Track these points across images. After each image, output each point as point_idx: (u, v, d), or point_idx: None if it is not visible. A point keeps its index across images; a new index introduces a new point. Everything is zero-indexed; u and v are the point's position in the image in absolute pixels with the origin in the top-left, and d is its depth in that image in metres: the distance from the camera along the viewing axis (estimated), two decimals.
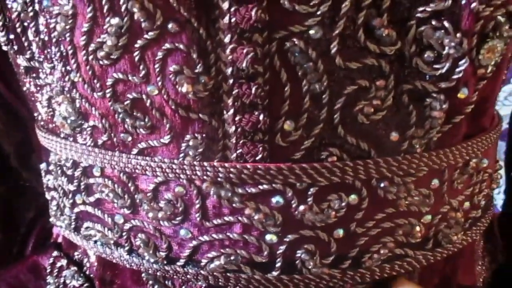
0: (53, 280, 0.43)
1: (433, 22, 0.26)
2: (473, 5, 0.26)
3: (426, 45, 0.27)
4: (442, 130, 0.30)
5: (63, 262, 0.42)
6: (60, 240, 0.47)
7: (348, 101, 0.28)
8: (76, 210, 0.35)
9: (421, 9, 0.26)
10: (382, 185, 0.29)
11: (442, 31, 0.26)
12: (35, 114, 0.38)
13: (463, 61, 0.27)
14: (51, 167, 0.36)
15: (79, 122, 0.32)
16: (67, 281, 0.41)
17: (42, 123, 0.37)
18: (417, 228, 0.31)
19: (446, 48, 0.27)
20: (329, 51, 0.26)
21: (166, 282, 0.34)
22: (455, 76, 0.27)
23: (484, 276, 0.42)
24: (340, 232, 0.30)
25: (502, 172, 0.41)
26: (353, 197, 0.29)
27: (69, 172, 0.34)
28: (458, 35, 0.26)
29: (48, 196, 0.39)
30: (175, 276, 0.32)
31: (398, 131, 0.29)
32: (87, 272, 0.40)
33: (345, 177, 0.28)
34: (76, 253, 0.42)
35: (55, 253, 0.43)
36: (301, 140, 0.28)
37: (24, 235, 0.57)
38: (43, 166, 0.39)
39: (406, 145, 0.29)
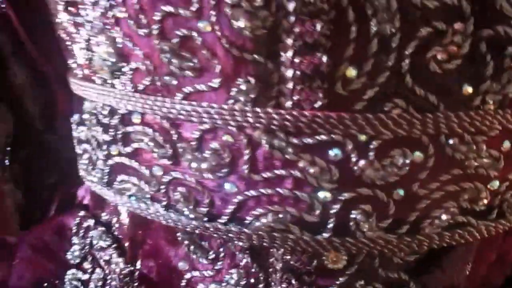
0: (78, 240, 0.41)
1: None
2: None
3: None
4: None
5: (90, 222, 0.40)
6: (86, 201, 0.45)
7: (420, 46, 0.25)
8: (110, 162, 0.33)
9: None
10: (451, 142, 0.27)
11: None
12: (70, 62, 0.36)
13: None
14: (85, 116, 0.34)
15: (119, 65, 0.29)
16: (94, 241, 0.39)
17: (77, 71, 0.35)
18: (484, 194, 0.28)
19: None
20: None
21: (203, 243, 0.32)
22: None
23: None
24: (400, 193, 0.27)
25: None
26: (418, 154, 0.26)
27: (105, 121, 0.32)
28: None
29: (79, 149, 0.37)
30: (215, 235, 0.29)
31: (471, 84, 0.26)
32: (116, 233, 0.38)
33: (412, 130, 0.26)
34: (103, 214, 0.40)
35: (81, 213, 0.42)
36: (364, 89, 0.26)
37: (46, 200, 0.55)
38: (75, 118, 0.37)
39: (478, 101, 0.27)
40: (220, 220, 0.29)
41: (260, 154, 0.27)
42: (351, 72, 0.25)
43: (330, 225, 0.28)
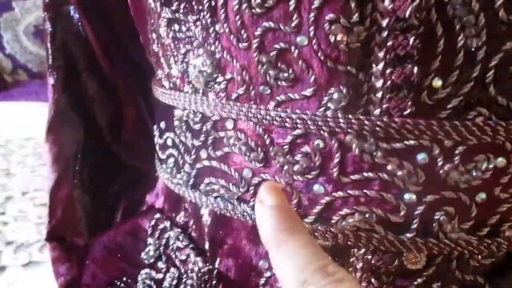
0: (153, 241, 0.44)
1: None
2: None
3: None
4: None
5: (167, 223, 0.43)
6: (157, 205, 0.48)
7: (504, 59, 0.27)
8: (198, 165, 0.35)
9: None
10: None
11: None
12: (159, 73, 0.39)
13: None
14: (176, 123, 0.37)
15: (214, 76, 0.32)
16: (171, 242, 0.42)
17: (165, 81, 0.38)
18: None
19: None
20: (493, 3, 0.26)
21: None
22: None
23: None
24: (482, 196, 0.29)
25: None
26: (500, 160, 0.28)
27: (196, 127, 0.35)
28: None
29: (162, 155, 0.40)
30: None
31: None
32: (193, 234, 0.40)
33: (496, 137, 0.28)
34: (178, 217, 0.42)
35: (157, 215, 0.44)
36: (449, 98, 0.28)
37: (111, 206, 0.58)
38: (161, 125, 0.40)
39: None
40: (306, 220, 0.31)
41: (350, 157, 0.29)
42: (437, 82, 0.27)
43: (414, 226, 0.29)
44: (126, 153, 0.59)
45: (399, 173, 0.28)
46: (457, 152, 0.28)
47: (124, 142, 0.59)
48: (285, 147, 0.31)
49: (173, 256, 0.42)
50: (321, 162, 0.30)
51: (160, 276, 0.42)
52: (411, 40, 0.27)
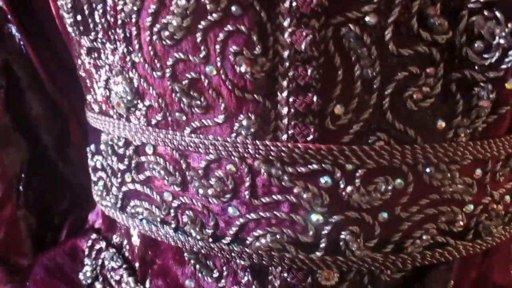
0: (90, 261, 0.44)
1: (485, 13, 0.27)
2: None
3: (477, 35, 0.28)
4: (487, 120, 0.31)
5: (102, 244, 0.43)
6: (97, 225, 0.48)
7: (398, 87, 0.29)
8: (124, 188, 0.36)
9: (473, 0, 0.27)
10: (428, 170, 0.30)
11: (494, 21, 0.27)
12: (88, 97, 0.39)
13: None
14: (102, 147, 0.37)
15: (134, 102, 0.33)
16: (106, 262, 0.42)
17: (94, 105, 0.38)
18: (460, 217, 0.32)
19: (497, 38, 0.28)
20: (383, 38, 0.28)
21: (208, 262, 0.35)
22: (503, 66, 0.28)
23: None
24: (384, 215, 0.30)
25: None
26: (399, 181, 0.30)
27: (120, 151, 0.35)
28: (510, 25, 0.27)
29: (94, 177, 0.41)
30: (219, 254, 0.33)
31: (444, 119, 0.30)
32: (126, 254, 0.41)
33: (393, 160, 0.29)
34: (114, 237, 0.43)
35: (94, 236, 0.45)
36: (350, 124, 0.29)
37: (58, 225, 0.58)
38: (92, 148, 0.40)
39: (451, 134, 0.30)
40: (223, 241, 0.32)
41: (260, 181, 0.31)
42: (339, 109, 0.29)
43: (323, 245, 0.31)
44: (73, 171, 0.59)
45: (305, 195, 0.30)
46: (357, 175, 0.30)
47: (71, 161, 0.59)
48: (200, 171, 0.32)
49: (109, 277, 0.42)
50: (233, 185, 0.31)
51: None
52: (309, 71, 0.28)
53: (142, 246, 0.38)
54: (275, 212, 0.31)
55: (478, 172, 0.32)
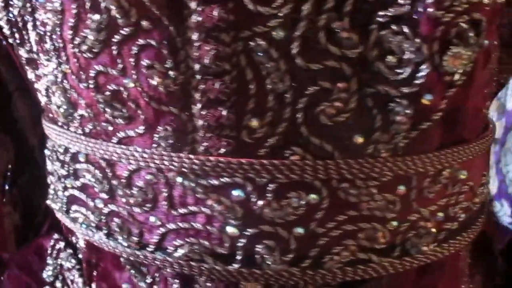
0: (52, 261, 0.46)
1: (393, 27, 0.27)
2: (430, 10, 0.26)
3: (388, 50, 0.27)
4: (409, 136, 0.30)
5: (62, 244, 0.45)
6: (62, 225, 0.50)
7: (310, 102, 0.28)
8: (66, 193, 0.38)
9: (381, 13, 0.27)
10: (342, 186, 0.30)
11: (402, 36, 0.27)
12: (41, 104, 0.41)
13: (424, 66, 0.27)
14: (48, 153, 0.39)
15: (70, 111, 0.34)
16: (63, 262, 0.44)
17: (44, 112, 0.40)
18: (380, 233, 0.31)
19: (406, 53, 0.27)
20: (291, 52, 0.27)
21: (142, 268, 0.35)
22: (417, 81, 0.28)
23: None
24: (299, 230, 0.30)
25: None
26: (312, 197, 0.30)
27: (61, 158, 0.37)
28: (417, 40, 0.26)
29: (48, 180, 0.43)
30: (145, 262, 0.33)
31: (362, 135, 0.29)
32: (80, 255, 0.42)
33: (304, 175, 0.29)
34: (73, 237, 0.44)
35: (55, 236, 0.47)
36: (266, 137, 0.29)
37: (39, 223, 0.61)
38: (46, 151, 0.42)
39: (371, 149, 0.30)
40: (148, 249, 0.33)
41: (176, 192, 0.31)
42: (254, 123, 0.29)
43: (239, 257, 0.31)
44: None
45: (219, 208, 0.30)
46: (269, 189, 0.29)
47: None
48: (123, 180, 0.32)
49: (66, 276, 0.44)
50: (153, 195, 0.32)
51: None
52: (218, 85, 0.28)
53: (87, 249, 0.39)
54: (192, 223, 0.31)
55: (401, 188, 0.31)
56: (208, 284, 0.33)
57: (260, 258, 0.31)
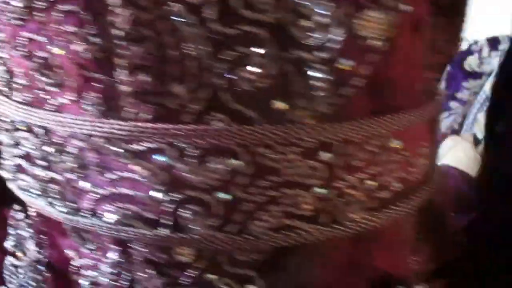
0: (13, 231, 0.47)
1: None
2: None
3: (302, 14, 0.27)
4: (332, 102, 0.30)
5: (22, 215, 0.46)
6: None
7: (229, 67, 0.29)
8: (13, 162, 0.39)
9: None
10: (263, 152, 0.30)
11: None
12: None
13: (338, 30, 0.27)
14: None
15: (9, 80, 0.35)
16: (22, 232, 0.45)
17: None
18: (305, 200, 0.31)
19: (319, 17, 0.27)
20: (207, 17, 0.28)
21: (83, 234, 0.36)
22: (332, 46, 0.28)
23: (419, 268, 0.40)
24: (223, 196, 0.31)
25: None
26: (234, 162, 0.30)
27: (6, 127, 0.38)
28: (330, 4, 0.26)
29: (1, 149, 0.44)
30: (80, 227, 0.34)
31: (283, 100, 0.29)
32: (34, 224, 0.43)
33: (226, 141, 0.29)
34: (29, 206, 0.46)
35: (16, 207, 0.48)
36: (189, 103, 0.30)
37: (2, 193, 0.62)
38: None
39: (293, 115, 0.30)
40: (84, 215, 0.34)
41: (105, 158, 0.32)
42: (177, 88, 0.29)
43: (167, 222, 0.32)
44: None
45: (144, 173, 0.31)
46: (192, 155, 0.30)
47: None
48: (58, 147, 0.33)
49: (25, 246, 0.45)
50: (84, 161, 0.32)
51: (18, 263, 0.46)
52: (139, 51, 0.29)
53: (37, 218, 0.40)
54: (120, 189, 0.32)
55: (325, 155, 0.31)
56: (143, 249, 0.34)
57: (186, 223, 0.31)
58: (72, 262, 0.38)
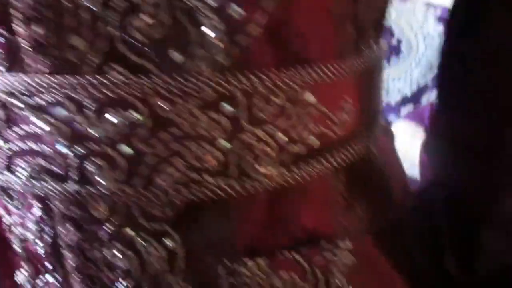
0: None
1: None
2: None
3: None
4: (229, 52, 0.29)
5: None
6: None
7: (122, 18, 0.28)
8: None
9: None
10: (161, 104, 0.30)
11: None
12: None
13: None
14: None
15: None
16: None
17: None
18: (210, 154, 0.31)
19: None
20: None
21: (10, 192, 0.37)
22: None
23: (349, 227, 0.40)
24: (125, 149, 0.31)
25: None
26: (133, 114, 0.30)
27: None
28: None
29: None
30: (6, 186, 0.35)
31: (180, 51, 0.29)
32: None
33: (119, 92, 0.29)
34: None
35: None
36: (87, 55, 0.29)
37: None
38: None
39: (191, 66, 0.29)
40: (4, 172, 0.34)
41: (8, 112, 0.32)
42: (76, 40, 0.29)
43: (73, 176, 0.32)
44: None
45: (47, 128, 0.31)
46: (89, 107, 0.30)
47: None
48: None
49: None
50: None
51: None
52: (32, 2, 0.28)
53: None
54: (27, 143, 0.32)
55: (227, 107, 0.30)
56: (60, 205, 0.34)
57: (93, 177, 0.32)
58: (3, 220, 0.39)
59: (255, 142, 0.32)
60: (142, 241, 0.34)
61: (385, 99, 1.52)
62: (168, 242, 0.34)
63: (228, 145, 0.31)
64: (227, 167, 0.32)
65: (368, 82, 0.39)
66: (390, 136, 0.49)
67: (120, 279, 0.35)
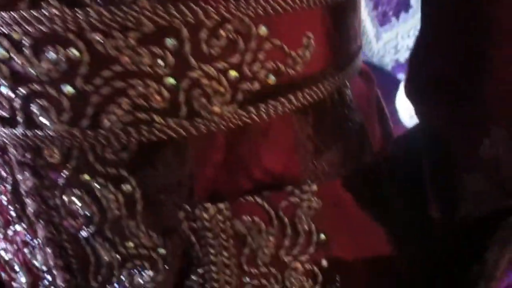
0: None
1: None
2: None
3: None
4: None
5: None
6: None
7: None
8: None
9: None
10: (98, 38, 0.28)
11: None
12: None
13: None
14: None
15: None
16: None
17: None
18: (156, 91, 0.30)
19: None
20: None
21: None
22: None
23: (317, 171, 0.38)
24: (68, 89, 0.30)
25: None
26: (70, 50, 0.29)
27: None
28: None
29: None
30: None
31: None
32: None
33: (55, 28, 0.28)
34: None
35: None
36: None
37: None
38: None
39: None
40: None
41: None
42: None
43: (20, 120, 0.31)
44: None
45: None
46: (25, 44, 0.29)
47: None
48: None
49: None
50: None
51: None
52: None
53: None
54: None
55: (170, 41, 0.29)
56: (14, 151, 0.33)
57: (38, 119, 0.31)
58: None
59: (205, 79, 0.30)
60: (99, 186, 0.33)
61: (394, 56, 1.47)
62: (125, 187, 0.33)
63: (173, 83, 0.30)
64: (177, 107, 0.31)
65: (339, 20, 0.37)
66: (370, 81, 0.47)
67: (83, 226, 0.35)
